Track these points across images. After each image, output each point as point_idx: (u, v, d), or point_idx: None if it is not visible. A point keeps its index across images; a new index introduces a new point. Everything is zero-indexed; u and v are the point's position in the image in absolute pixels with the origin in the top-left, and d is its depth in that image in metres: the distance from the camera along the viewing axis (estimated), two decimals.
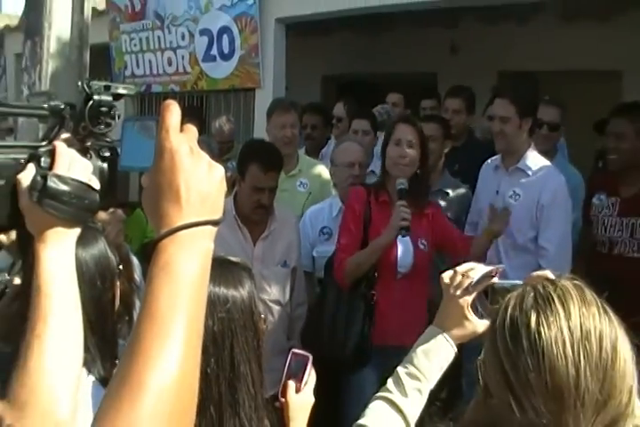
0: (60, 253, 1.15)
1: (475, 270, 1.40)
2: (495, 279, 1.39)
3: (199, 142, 0.97)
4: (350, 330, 3.42)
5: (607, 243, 3.73)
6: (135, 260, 2.84)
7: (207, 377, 1.46)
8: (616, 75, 6.82)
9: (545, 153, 4.00)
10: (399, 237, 3.33)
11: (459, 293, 1.38)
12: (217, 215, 0.95)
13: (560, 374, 0.96)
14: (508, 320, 1.05)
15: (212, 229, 0.94)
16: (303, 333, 3.59)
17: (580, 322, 1.01)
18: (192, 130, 0.97)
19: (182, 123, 0.95)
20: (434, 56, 7.62)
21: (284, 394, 1.77)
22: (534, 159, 3.69)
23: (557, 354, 0.98)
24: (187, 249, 0.91)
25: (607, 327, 1.03)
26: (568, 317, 1.01)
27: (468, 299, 1.39)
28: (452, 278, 1.40)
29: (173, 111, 0.95)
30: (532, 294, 1.07)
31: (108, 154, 1.21)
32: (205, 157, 0.96)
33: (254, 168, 3.42)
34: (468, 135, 4.84)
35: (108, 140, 1.22)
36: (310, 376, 1.80)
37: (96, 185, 1.15)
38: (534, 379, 0.97)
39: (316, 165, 4.55)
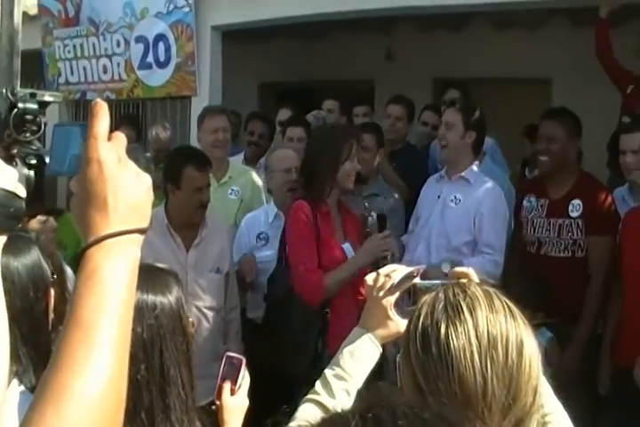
0: None
1: (397, 272, 1.43)
2: (417, 280, 1.42)
3: (130, 150, 0.97)
4: (307, 346, 3.37)
5: (536, 243, 3.85)
6: (69, 269, 2.80)
7: (137, 383, 1.45)
8: (545, 82, 7.01)
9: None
10: (346, 245, 3.38)
11: (381, 294, 1.41)
12: (144, 223, 0.96)
13: (468, 384, 0.99)
14: (420, 329, 1.08)
15: (140, 237, 0.95)
16: (258, 349, 3.51)
17: (488, 330, 1.04)
18: (120, 138, 0.98)
19: (114, 130, 0.95)
20: (370, 63, 7.69)
21: (218, 396, 1.78)
22: (477, 173, 3.83)
23: (465, 364, 1.01)
24: (113, 257, 0.91)
25: (513, 333, 1.06)
26: (476, 325, 1.04)
27: (391, 299, 1.42)
28: (375, 280, 1.43)
29: (101, 118, 0.96)
30: (442, 303, 1.10)
31: (34, 161, 1.20)
32: (133, 165, 0.97)
33: (190, 170, 3.47)
34: (406, 141, 5.00)
35: (33, 147, 1.21)
36: (244, 379, 1.82)
37: (22, 193, 1.13)
38: (443, 388, 0.99)
39: (246, 172, 4.57)
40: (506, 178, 4.34)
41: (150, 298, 1.55)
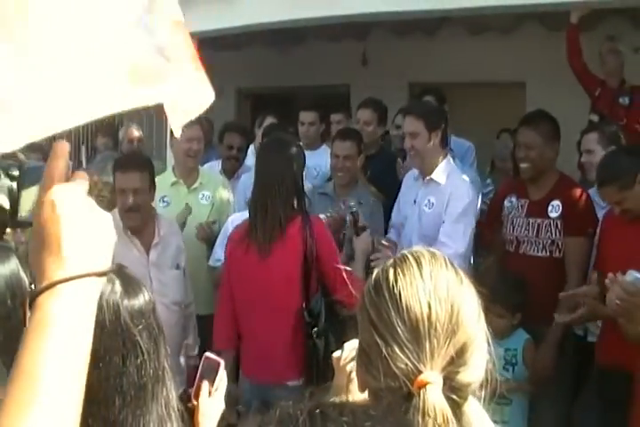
0: None
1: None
2: None
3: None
4: None
5: (514, 242, 3.89)
6: None
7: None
8: (519, 85, 7.08)
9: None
10: None
11: (346, 364, 1.48)
12: (103, 266, 0.93)
13: (415, 310, 1.09)
14: (372, 281, 1.18)
15: (99, 280, 0.92)
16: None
17: (430, 270, 1.15)
18: (81, 178, 0.95)
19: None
20: (346, 68, 7.73)
21: (196, 397, 1.78)
22: (446, 169, 3.85)
23: (412, 294, 1.11)
24: (65, 303, 0.88)
25: (453, 275, 1.17)
26: (420, 268, 1.15)
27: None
28: (341, 355, 1.50)
29: (60, 159, 0.93)
30: (391, 260, 1.21)
31: (16, 173, 1.20)
32: (92, 206, 0.94)
33: (116, 173, 3.62)
34: (379, 145, 4.97)
35: (14, 158, 1.21)
36: (221, 382, 1.82)
37: (5, 204, 1.14)
38: (394, 317, 1.09)
39: (216, 178, 4.70)
40: (475, 179, 4.40)
41: None
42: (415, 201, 3.92)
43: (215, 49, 7.52)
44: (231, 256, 3.54)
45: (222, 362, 1.84)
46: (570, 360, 3.74)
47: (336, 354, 1.54)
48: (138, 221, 3.61)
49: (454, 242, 3.68)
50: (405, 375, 1.04)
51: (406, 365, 1.04)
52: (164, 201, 4.29)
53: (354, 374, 1.42)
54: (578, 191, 3.83)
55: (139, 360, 1.55)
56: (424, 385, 1.03)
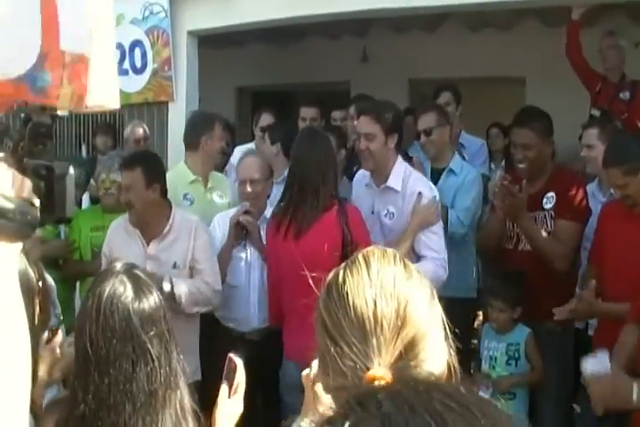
0: (2, 268, 1.17)
1: None
2: None
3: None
4: None
5: (514, 238, 3.89)
6: (49, 278, 2.82)
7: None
8: (519, 81, 7.09)
9: (437, 156, 4.31)
10: None
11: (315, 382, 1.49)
12: None
13: (361, 309, 1.10)
14: (325, 284, 1.20)
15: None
16: None
17: (378, 268, 1.16)
18: None
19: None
20: (346, 65, 7.74)
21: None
22: (399, 174, 3.69)
23: (358, 293, 1.13)
24: None
25: (402, 270, 1.18)
26: (368, 266, 1.16)
27: None
28: (309, 374, 1.53)
29: None
30: (343, 263, 1.23)
31: (44, 172, 1.23)
32: None
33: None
34: None
35: (44, 159, 1.24)
36: (240, 385, 1.83)
37: (36, 202, 1.17)
38: (342, 317, 1.11)
39: (222, 178, 4.71)
40: (478, 176, 4.38)
41: None
42: (373, 212, 3.75)
43: (215, 47, 7.54)
44: (270, 243, 3.65)
45: (240, 363, 1.85)
46: (571, 354, 3.76)
47: (305, 372, 1.53)
48: (135, 217, 3.71)
49: (440, 252, 3.57)
50: (354, 373, 1.06)
51: (355, 363, 1.06)
52: (186, 199, 4.28)
53: (319, 391, 1.44)
54: (572, 182, 3.84)
55: (149, 367, 1.55)
56: (372, 381, 1.03)
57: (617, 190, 3.43)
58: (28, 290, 1.71)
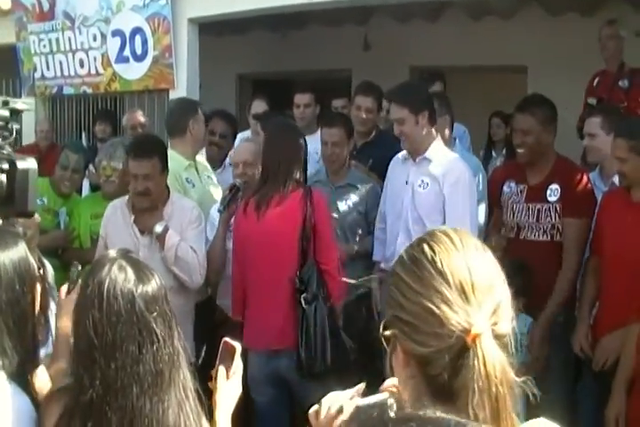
0: None
1: (338, 397, 1.46)
2: (356, 399, 1.42)
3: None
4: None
5: (515, 228, 3.89)
6: (49, 264, 2.84)
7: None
8: (521, 69, 7.08)
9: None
10: None
11: (326, 421, 1.47)
12: None
13: (457, 273, 1.19)
14: (407, 258, 1.26)
15: None
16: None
17: (460, 238, 1.25)
18: None
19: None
20: (347, 53, 7.73)
21: (215, 379, 1.82)
22: (439, 149, 3.85)
23: (451, 260, 1.21)
24: None
25: (478, 241, 1.28)
26: (450, 238, 1.25)
27: (336, 424, 1.46)
28: (319, 411, 1.48)
29: None
30: (417, 239, 1.31)
31: (5, 166, 1.22)
32: None
33: (128, 157, 3.80)
34: (377, 130, 4.94)
35: (4, 152, 1.23)
36: (238, 367, 1.86)
37: None
38: (440, 283, 1.19)
39: (204, 162, 4.76)
40: (479, 163, 4.38)
41: None
42: (407, 182, 3.87)
43: (217, 34, 7.52)
44: (235, 222, 3.76)
45: (239, 346, 1.88)
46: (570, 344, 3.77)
47: (313, 409, 1.49)
48: (148, 204, 3.72)
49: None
50: (460, 330, 1.14)
51: (458, 322, 1.15)
52: (189, 182, 4.32)
53: None
54: (576, 174, 3.83)
55: (154, 347, 1.57)
56: (478, 335, 1.14)
57: (616, 163, 3.45)
58: (27, 278, 1.73)
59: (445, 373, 1.15)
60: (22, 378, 1.69)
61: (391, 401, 1.30)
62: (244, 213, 3.63)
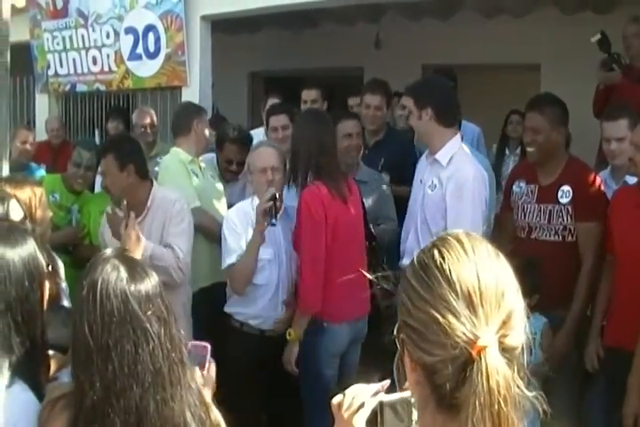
0: None
1: (363, 391, 1.45)
2: (382, 395, 1.40)
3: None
4: None
5: (526, 228, 3.87)
6: (59, 261, 2.85)
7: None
8: (534, 67, 7.04)
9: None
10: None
11: (348, 415, 1.45)
12: None
13: (466, 282, 1.16)
14: (417, 263, 1.23)
15: None
16: None
17: (471, 245, 1.22)
18: None
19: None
20: (359, 51, 7.72)
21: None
22: (451, 152, 3.70)
23: (461, 268, 1.18)
24: None
25: (490, 248, 1.24)
26: (461, 244, 1.22)
27: (359, 418, 1.44)
28: (342, 402, 1.46)
29: None
30: (429, 244, 1.26)
31: None
32: None
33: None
34: (387, 127, 4.92)
35: None
36: (211, 364, 1.89)
37: None
38: (447, 291, 1.15)
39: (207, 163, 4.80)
40: (488, 166, 4.33)
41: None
42: (422, 180, 3.82)
43: (229, 32, 7.53)
44: (326, 209, 3.66)
45: (209, 346, 1.90)
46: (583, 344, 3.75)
47: (336, 399, 1.47)
48: (115, 199, 3.83)
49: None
50: (465, 342, 1.11)
51: (464, 333, 1.12)
52: (194, 173, 4.35)
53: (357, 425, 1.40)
54: (588, 175, 3.80)
55: (151, 346, 1.55)
56: (483, 348, 1.10)
57: (632, 149, 3.40)
58: (36, 274, 1.73)
59: (449, 384, 1.12)
60: (29, 375, 1.68)
61: (414, 399, 1.27)
62: (332, 197, 3.64)
